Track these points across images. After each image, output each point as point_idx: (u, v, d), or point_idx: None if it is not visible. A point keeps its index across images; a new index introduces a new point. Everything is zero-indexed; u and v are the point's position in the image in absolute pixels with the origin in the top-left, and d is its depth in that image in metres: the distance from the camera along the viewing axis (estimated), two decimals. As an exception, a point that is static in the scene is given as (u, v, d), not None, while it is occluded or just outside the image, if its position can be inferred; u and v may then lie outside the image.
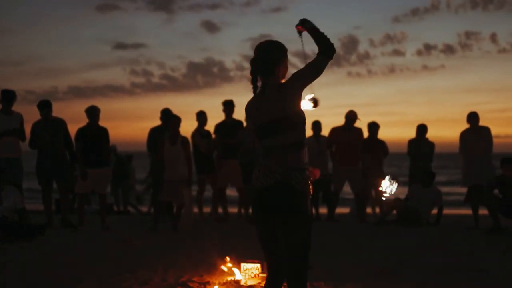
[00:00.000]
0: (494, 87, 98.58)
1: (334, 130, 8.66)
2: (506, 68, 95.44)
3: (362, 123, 8.71)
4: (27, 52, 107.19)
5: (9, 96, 7.28)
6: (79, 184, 7.40)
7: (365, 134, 8.78)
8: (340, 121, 8.84)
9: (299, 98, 2.79)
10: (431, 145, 8.87)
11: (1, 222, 6.21)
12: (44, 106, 7.31)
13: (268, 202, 2.78)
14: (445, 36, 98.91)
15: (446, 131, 56.19)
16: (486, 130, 8.16)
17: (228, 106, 8.30)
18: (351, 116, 8.59)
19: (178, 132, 7.23)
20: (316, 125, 8.79)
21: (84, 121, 7.52)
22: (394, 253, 5.74)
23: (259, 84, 2.84)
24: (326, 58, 2.82)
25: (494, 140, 8.19)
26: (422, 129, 8.81)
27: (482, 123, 8.19)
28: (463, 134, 8.22)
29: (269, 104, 2.78)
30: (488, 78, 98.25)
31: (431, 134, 8.85)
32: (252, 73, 2.83)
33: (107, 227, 7.35)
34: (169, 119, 7.42)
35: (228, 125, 8.25)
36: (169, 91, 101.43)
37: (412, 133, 8.73)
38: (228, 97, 8.42)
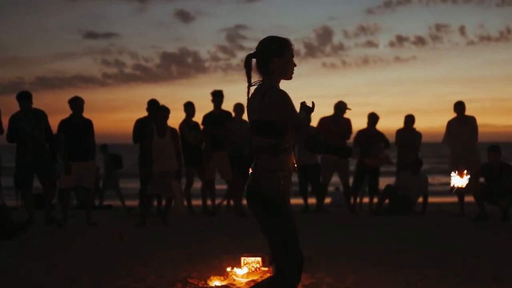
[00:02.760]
0: (462, 78, 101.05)
1: (323, 120, 8.60)
2: (474, 60, 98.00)
3: (351, 113, 8.69)
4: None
5: None
6: (63, 179, 7.12)
7: (364, 125, 8.79)
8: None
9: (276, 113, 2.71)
10: (418, 135, 8.94)
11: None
12: (24, 97, 7.01)
13: (247, 201, 2.82)
14: (417, 28, 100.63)
15: (418, 121, 56.98)
16: (472, 119, 8.30)
17: (217, 96, 8.11)
18: (341, 107, 8.54)
19: (167, 123, 7.02)
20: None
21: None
22: (389, 242, 5.76)
23: (254, 81, 2.77)
24: (304, 142, 2.79)
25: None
26: (410, 119, 8.88)
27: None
28: (450, 123, 8.31)
29: (253, 104, 2.75)
30: (457, 69, 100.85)
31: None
32: (245, 66, 2.76)
33: (93, 222, 7.11)
34: (157, 110, 7.20)
35: (217, 116, 8.07)
36: (143, 82, 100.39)
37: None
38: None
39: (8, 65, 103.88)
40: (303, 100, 2.78)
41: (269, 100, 2.66)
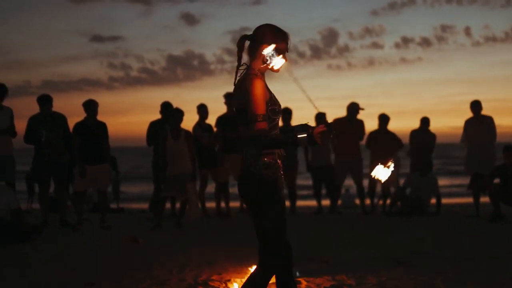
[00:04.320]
0: (468, 79, 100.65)
1: (336, 122, 8.56)
2: (479, 61, 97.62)
3: (364, 113, 8.68)
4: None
5: (0, 90, 6.97)
6: (77, 182, 7.12)
7: (375, 126, 8.76)
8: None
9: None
10: (433, 136, 8.90)
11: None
12: (45, 100, 7.03)
13: (239, 188, 2.80)
14: (422, 29, 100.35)
15: (423, 122, 56.86)
16: (489, 119, 8.20)
17: (230, 98, 8.09)
18: (354, 108, 8.50)
19: (180, 126, 7.01)
20: (320, 117, 8.69)
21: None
22: (406, 243, 5.73)
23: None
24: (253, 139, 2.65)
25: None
26: (425, 121, 8.86)
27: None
28: (467, 122, 8.24)
29: (235, 91, 2.75)
30: (463, 70, 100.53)
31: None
32: (237, 46, 2.75)
33: (107, 226, 7.10)
34: (170, 112, 7.19)
35: (230, 118, 8.05)
36: (149, 85, 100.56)
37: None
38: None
39: (15, 68, 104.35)
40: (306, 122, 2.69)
41: (247, 89, 2.64)
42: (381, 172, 2.87)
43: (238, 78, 2.75)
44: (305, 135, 2.61)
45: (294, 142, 2.64)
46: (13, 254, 5.27)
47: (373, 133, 8.68)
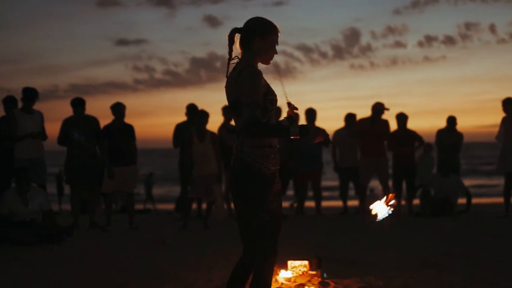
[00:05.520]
0: (493, 77, 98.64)
1: (361, 122, 8.54)
2: (505, 58, 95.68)
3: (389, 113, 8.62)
4: (25, 50, 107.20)
5: (31, 94, 7.14)
6: (105, 183, 7.24)
7: (394, 126, 8.68)
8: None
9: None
10: (460, 135, 8.78)
11: (29, 225, 6.05)
12: (78, 104, 7.15)
13: (232, 182, 2.80)
14: (446, 28, 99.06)
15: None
16: None
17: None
18: (378, 108, 8.45)
19: (206, 128, 7.07)
20: (351, 117, 8.70)
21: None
22: (434, 244, 5.66)
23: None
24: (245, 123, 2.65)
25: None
26: (452, 120, 8.77)
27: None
28: (504, 119, 7.94)
29: (230, 83, 2.75)
30: (488, 68, 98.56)
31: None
32: (228, 39, 2.78)
33: (136, 226, 7.19)
34: (196, 114, 7.25)
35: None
36: (173, 87, 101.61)
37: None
38: None
39: (43, 73, 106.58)
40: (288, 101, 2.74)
41: (243, 79, 2.65)
42: (380, 209, 2.74)
43: (230, 70, 2.78)
44: (297, 129, 2.63)
45: (286, 131, 2.65)
46: (44, 255, 5.37)
47: (394, 134, 8.58)
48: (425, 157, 10.07)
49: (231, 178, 2.80)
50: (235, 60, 2.79)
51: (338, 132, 8.68)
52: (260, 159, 2.69)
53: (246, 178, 2.69)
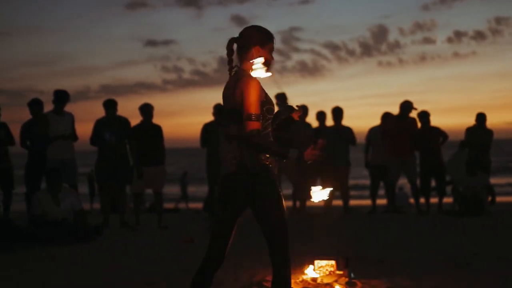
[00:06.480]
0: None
1: (387, 117, 8.53)
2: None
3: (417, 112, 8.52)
4: (58, 52, 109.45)
5: (62, 96, 7.30)
6: (134, 183, 7.34)
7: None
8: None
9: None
10: (490, 133, 8.63)
11: (61, 225, 6.18)
12: (110, 105, 7.25)
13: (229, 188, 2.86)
14: (475, 23, 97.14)
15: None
16: None
17: (280, 98, 8.12)
18: (407, 106, 8.38)
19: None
20: (386, 116, 8.62)
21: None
22: (464, 244, 5.58)
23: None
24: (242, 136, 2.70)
25: None
26: (481, 117, 8.63)
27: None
28: None
29: (227, 92, 2.78)
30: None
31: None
32: (226, 49, 2.81)
33: (164, 226, 7.28)
34: (223, 114, 7.28)
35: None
36: (201, 87, 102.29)
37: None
38: None
39: (75, 74, 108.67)
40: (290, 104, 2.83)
41: (243, 90, 2.67)
42: (318, 194, 2.87)
43: (228, 79, 2.81)
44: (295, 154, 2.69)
45: (283, 155, 2.69)
46: (75, 254, 5.49)
47: (418, 132, 8.47)
48: (459, 153, 9.91)
49: (228, 183, 2.82)
50: (235, 69, 2.82)
51: (372, 130, 8.64)
52: (261, 162, 2.72)
53: (247, 184, 2.74)
